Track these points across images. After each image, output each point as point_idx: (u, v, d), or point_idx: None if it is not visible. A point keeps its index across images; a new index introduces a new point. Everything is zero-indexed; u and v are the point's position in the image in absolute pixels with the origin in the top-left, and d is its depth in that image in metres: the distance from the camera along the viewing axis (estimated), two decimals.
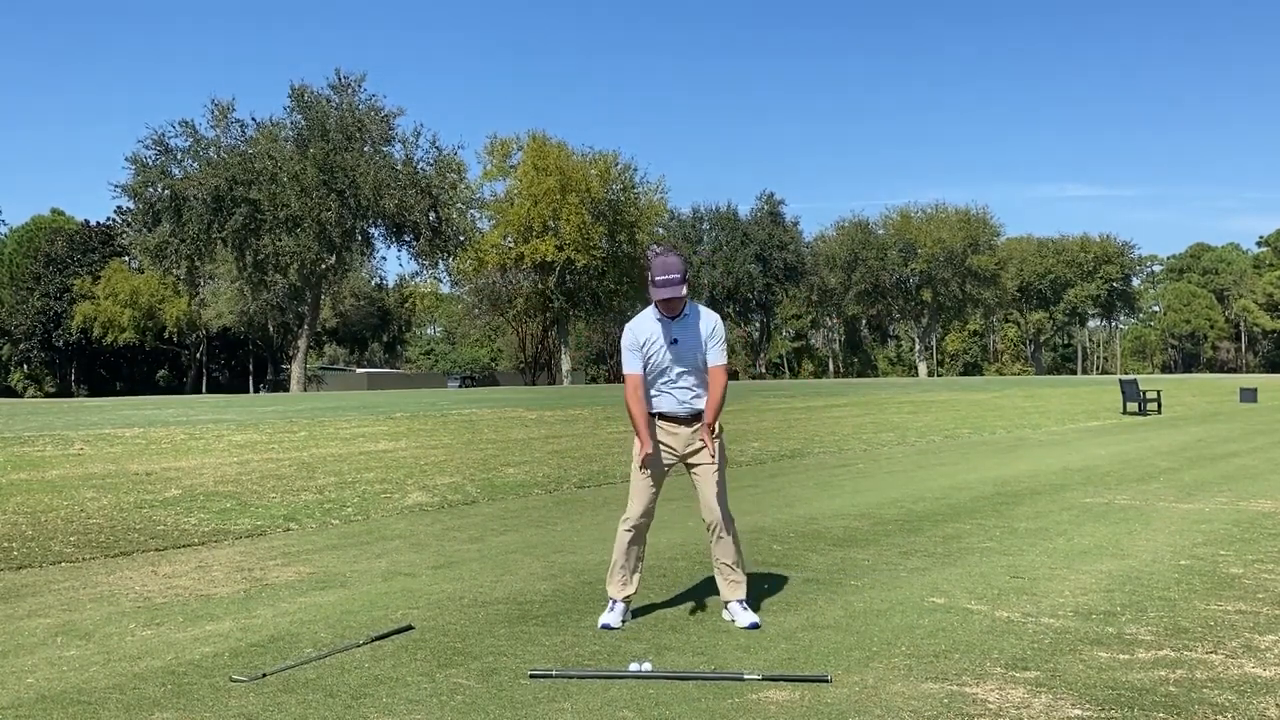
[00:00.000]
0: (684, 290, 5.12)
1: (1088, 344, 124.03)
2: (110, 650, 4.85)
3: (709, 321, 5.28)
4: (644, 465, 5.19)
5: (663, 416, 5.34)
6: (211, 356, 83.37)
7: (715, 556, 5.35)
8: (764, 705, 3.98)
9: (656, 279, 5.12)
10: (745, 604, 5.28)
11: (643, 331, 5.28)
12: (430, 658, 4.66)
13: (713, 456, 5.22)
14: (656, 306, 5.26)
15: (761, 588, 5.96)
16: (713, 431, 5.25)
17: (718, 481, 5.29)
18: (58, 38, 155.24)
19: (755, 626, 5.11)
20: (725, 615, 5.32)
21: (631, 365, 5.28)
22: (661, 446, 5.33)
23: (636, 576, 5.36)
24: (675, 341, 5.23)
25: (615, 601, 5.29)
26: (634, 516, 5.32)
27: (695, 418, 5.32)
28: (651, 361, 5.27)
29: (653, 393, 5.33)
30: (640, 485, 5.32)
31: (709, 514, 5.30)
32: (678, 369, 5.26)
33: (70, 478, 11.56)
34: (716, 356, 5.27)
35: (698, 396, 5.32)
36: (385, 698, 4.11)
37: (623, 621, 5.25)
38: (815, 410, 26.06)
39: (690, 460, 5.37)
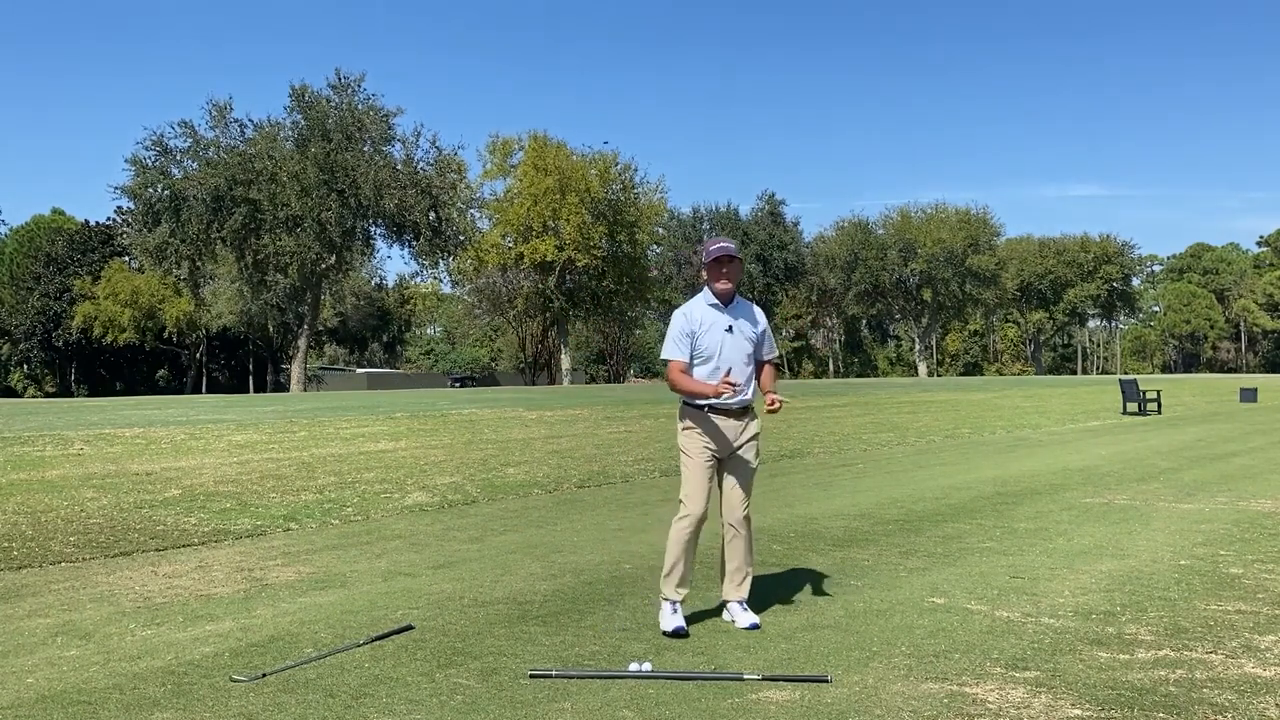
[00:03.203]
0: (738, 257, 5.12)
1: (1088, 344, 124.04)
2: (110, 650, 4.85)
3: (760, 313, 5.33)
4: (727, 383, 4.91)
5: (712, 409, 5.15)
6: (211, 356, 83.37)
7: (726, 556, 5.28)
8: (764, 705, 3.98)
9: (711, 248, 5.12)
10: (745, 604, 5.26)
11: (697, 314, 5.16)
12: (430, 658, 4.66)
13: (775, 404, 5.08)
14: (710, 287, 5.18)
15: (761, 588, 5.96)
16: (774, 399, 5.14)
17: (749, 483, 5.24)
18: (58, 38, 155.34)
19: (755, 627, 5.10)
20: (725, 615, 5.31)
21: (678, 352, 5.12)
22: (710, 439, 5.14)
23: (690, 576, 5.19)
24: (730, 329, 5.16)
25: (676, 603, 5.10)
26: (695, 513, 5.07)
27: (745, 411, 5.22)
28: (702, 347, 5.13)
29: None
30: (698, 479, 5.10)
31: (730, 513, 5.23)
32: (730, 356, 5.13)
33: (70, 478, 11.56)
34: (771, 349, 5.33)
35: (747, 388, 5.22)
36: (385, 698, 4.11)
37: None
38: (815, 410, 26.05)
39: (732, 455, 5.21)
